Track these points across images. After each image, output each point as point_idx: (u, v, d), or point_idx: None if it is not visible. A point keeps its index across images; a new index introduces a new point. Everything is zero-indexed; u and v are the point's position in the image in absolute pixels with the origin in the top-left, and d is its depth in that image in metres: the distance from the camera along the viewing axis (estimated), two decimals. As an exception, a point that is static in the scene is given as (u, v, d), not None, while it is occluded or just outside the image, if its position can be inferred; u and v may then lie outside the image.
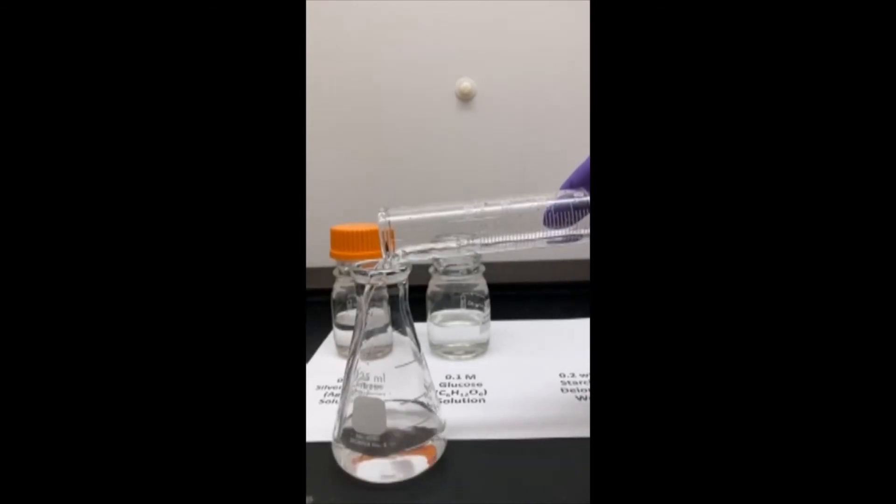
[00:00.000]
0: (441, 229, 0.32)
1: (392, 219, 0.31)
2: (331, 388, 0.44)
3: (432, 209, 0.32)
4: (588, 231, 0.32)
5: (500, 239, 0.32)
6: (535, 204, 0.32)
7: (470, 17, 0.62)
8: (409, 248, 0.31)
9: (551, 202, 0.32)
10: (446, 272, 0.48)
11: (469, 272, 0.48)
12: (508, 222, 0.32)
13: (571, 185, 0.33)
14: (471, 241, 0.32)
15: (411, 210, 0.32)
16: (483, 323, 0.49)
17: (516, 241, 0.32)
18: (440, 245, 0.32)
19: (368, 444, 0.32)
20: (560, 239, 0.32)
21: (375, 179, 0.65)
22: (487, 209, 0.32)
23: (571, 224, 0.32)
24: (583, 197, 0.32)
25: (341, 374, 0.34)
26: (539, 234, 0.32)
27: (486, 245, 0.32)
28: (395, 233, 0.31)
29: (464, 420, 0.38)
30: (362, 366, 0.32)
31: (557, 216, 0.31)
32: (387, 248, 0.31)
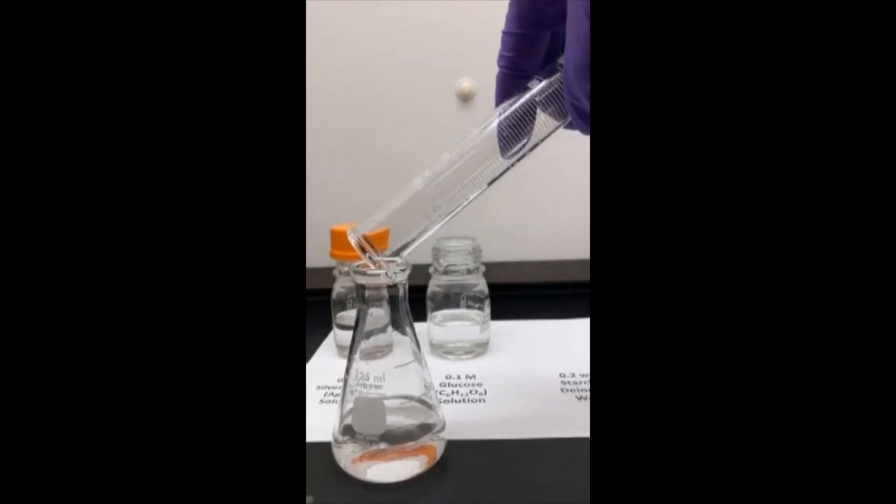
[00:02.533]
0: (408, 216, 0.31)
1: (363, 231, 0.31)
2: (331, 388, 0.44)
3: (389, 204, 0.31)
4: (546, 132, 0.31)
5: (464, 184, 0.31)
6: (477, 137, 0.31)
7: (470, 17, 0.62)
8: (391, 249, 0.31)
9: (494, 123, 0.31)
10: (446, 272, 0.48)
11: (469, 272, 0.48)
12: (463, 168, 0.31)
13: (504, 96, 0.32)
14: (441, 210, 0.31)
15: (371, 217, 0.31)
16: (483, 323, 0.49)
17: (481, 179, 0.31)
18: (416, 232, 0.31)
19: (368, 444, 0.32)
20: (517, 154, 0.31)
21: (376, 179, 0.65)
22: (436, 170, 0.31)
23: (527, 133, 0.30)
24: (520, 99, 0.30)
25: (341, 374, 0.34)
26: (498, 161, 0.31)
27: (457, 204, 0.31)
28: (380, 236, 0.31)
29: (464, 420, 0.38)
30: (362, 366, 0.32)
31: (510, 131, 0.30)
32: (364, 252, 0.31)
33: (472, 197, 0.31)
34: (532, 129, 0.31)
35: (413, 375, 0.33)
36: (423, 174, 0.31)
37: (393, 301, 0.32)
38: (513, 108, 0.30)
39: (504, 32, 0.31)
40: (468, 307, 0.48)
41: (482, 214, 0.62)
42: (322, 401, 0.42)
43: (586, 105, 0.27)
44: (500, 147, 0.30)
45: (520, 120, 0.30)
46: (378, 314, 0.32)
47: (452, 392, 0.43)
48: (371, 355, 0.32)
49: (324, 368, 0.48)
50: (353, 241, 0.31)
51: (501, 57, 0.31)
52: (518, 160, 0.31)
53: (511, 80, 0.31)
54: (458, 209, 0.31)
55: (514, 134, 0.30)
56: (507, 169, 0.31)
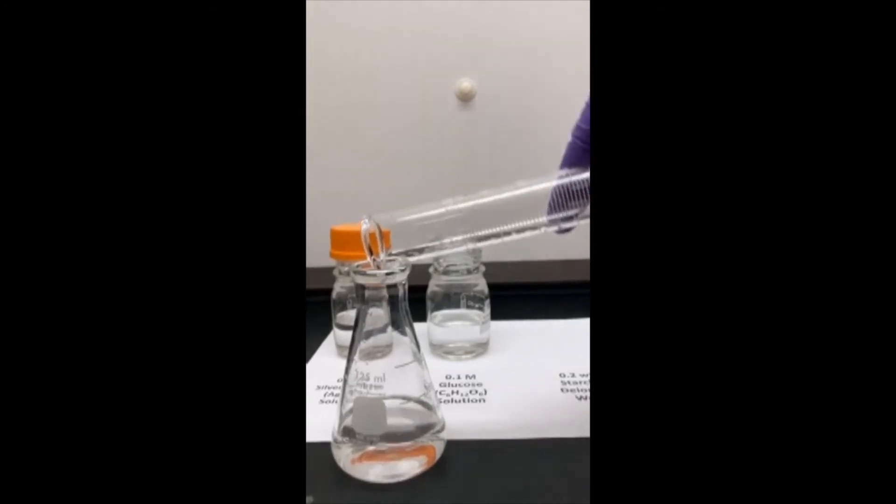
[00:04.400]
0: (432, 228, 0.31)
1: (380, 221, 0.30)
2: (331, 388, 0.44)
3: (419, 209, 0.31)
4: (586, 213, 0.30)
5: (496, 230, 0.30)
6: (529, 189, 0.30)
7: (470, 17, 0.62)
8: (396, 251, 0.31)
9: (555, 183, 0.30)
10: (446, 272, 0.48)
11: (469, 272, 0.48)
12: (504, 211, 0.30)
13: (569, 165, 0.31)
14: (464, 237, 0.30)
15: (396, 213, 0.31)
16: (483, 323, 0.49)
17: (515, 230, 0.30)
18: (428, 244, 0.31)
19: (368, 444, 0.32)
20: (564, 222, 0.30)
21: (375, 179, 0.65)
22: (480, 201, 0.30)
23: (580, 205, 0.30)
24: (584, 173, 0.30)
25: (341, 374, 0.34)
26: (538, 220, 0.30)
27: (481, 238, 0.31)
28: (384, 235, 0.30)
29: (464, 420, 0.38)
30: (362, 366, 0.32)
31: (563, 199, 0.30)
32: (371, 252, 0.30)
33: (498, 242, 0.31)
34: (586, 205, 0.30)
35: (413, 376, 0.33)
36: (455, 198, 0.31)
37: (393, 301, 0.32)
38: (573, 179, 0.30)
39: (587, 103, 0.30)
40: (468, 307, 0.48)
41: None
42: (322, 401, 0.42)
43: None
44: (549, 208, 0.30)
45: (577, 193, 0.30)
46: (378, 314, 0.32)
47: (452, 392, 0.43)
48: (371, 355, 0.32)
49: (324, 368, 0.48)
50: (364, 227, 0.30)
51: (577, 128, 0.31)
52: (560, 230, 0.31)
53: (582, 154, 0.31)
54: (472, 245, 0.31)
55: (566, 203, 0.30)
56: (536, 229, 0.31)
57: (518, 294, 0.64)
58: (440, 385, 0.43)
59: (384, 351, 0.32)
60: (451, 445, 0.34)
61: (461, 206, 0.31)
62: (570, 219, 0.31)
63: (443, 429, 0.34)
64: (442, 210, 0.31)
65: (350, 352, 0.32)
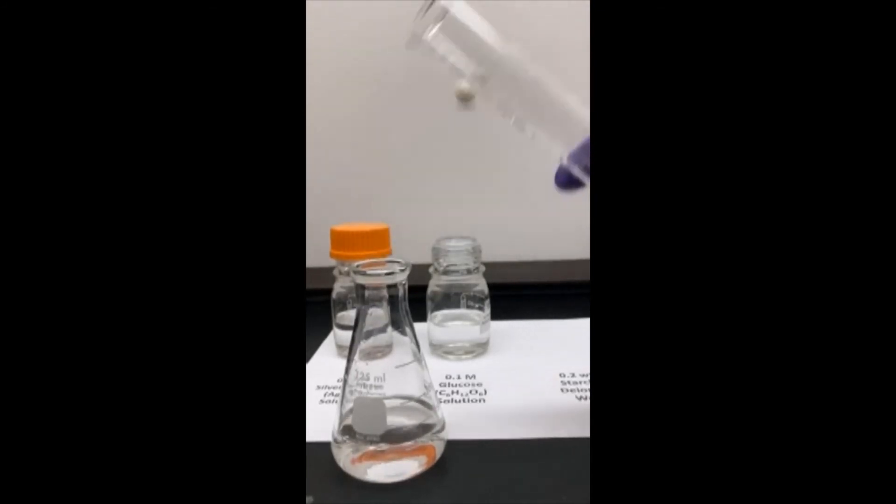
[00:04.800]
0: (483, 52, 0.30)
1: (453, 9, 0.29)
2: (331, 388, 0.44)
3: (485, 28, 0.30)
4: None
5: (522, 110, 0.30)
6: (577, 109, 0.30)
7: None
8: (438, 39, 0.30)
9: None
10: (446, 272, 0.48)
11: (469, 272, 0.48)
12: (544, 107, 0.30)
13: None
14: (495, 86, 0.29)
15: (471, 12, 0.30)
16: (483, 323, 0.49)
17: (533, 131, 0.30)
18: (464, 60, 0.30)
19: (368, 444, 0.32)
20: (573, 166, 0.29)
21: (375, 180, 0.65)
22: (539, 79, 0.30)
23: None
24: None
25: (341, 374, 0.34)
26: (556, 136, 0.30)
27: (503, 103, 0.30)
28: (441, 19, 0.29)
29: (464, 420, 0.38)
30: (362, 366, 0.32)
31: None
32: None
33: (511, 112, 0.30)
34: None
35: (413, 375, 0.33)
36: (523, 52, 0.30)
37: (393, 301, 0.32)
38: None
39: None
40: (468, 307, 0.48)
41: (482, 214, 0.62)
42: (322, 401, 0.42)
43: None
44: (576, 150, 0.30)
45: None
46: (378, 314, 0.32)
47: (452, 392, 0.43)
48: (371, 355, 0.32)
49: (324, 368, 0.48)
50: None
51: None
52: (565, 179, 0.31)
53: None
54: (494, 99, 0.30)
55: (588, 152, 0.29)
56: (546, 139, 0.30)
57: (518, 294, 0.64)
58: (440, 385, 0.43)
59: (384, 351, 0.32)
60: (451, 445, 0.34)
61: (524, 67, 0.30)
62: (582, 168, 0.30)
63: (443, 429, 0.34)
64: (504, 47, 0.31)
65: (350, 352, 0.32)
